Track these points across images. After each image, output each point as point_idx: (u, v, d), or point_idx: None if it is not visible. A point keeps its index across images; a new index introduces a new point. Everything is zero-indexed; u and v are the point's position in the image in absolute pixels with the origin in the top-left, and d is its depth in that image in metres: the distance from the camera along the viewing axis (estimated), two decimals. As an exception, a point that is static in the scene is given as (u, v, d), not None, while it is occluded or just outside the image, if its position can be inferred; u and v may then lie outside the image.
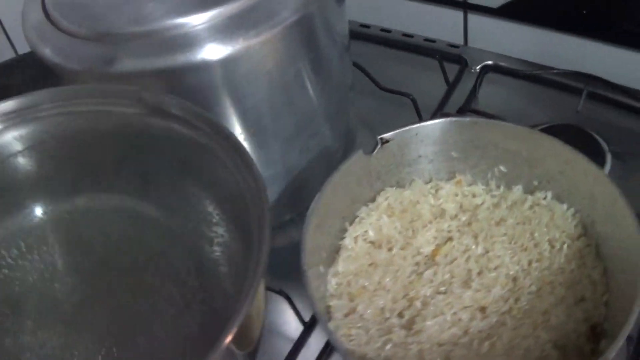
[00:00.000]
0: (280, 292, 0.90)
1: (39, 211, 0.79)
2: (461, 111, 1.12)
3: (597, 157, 1.02)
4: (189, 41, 0.77)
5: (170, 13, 0.80)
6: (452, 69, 1.22)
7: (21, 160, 0.74)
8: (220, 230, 0.77)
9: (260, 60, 0.83)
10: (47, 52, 0.82)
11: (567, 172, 0.86)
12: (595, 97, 1.13)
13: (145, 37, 0.78)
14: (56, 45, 0.82)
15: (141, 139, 0.76)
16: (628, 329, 0.70)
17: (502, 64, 1.22)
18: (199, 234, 0.79)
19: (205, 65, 0.79)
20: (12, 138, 0.75)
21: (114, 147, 0.78)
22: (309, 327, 0.90)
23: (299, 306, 0.90)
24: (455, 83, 1.19)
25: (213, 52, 0.78)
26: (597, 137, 1.06)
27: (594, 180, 0.83)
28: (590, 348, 0.79)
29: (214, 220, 0.78)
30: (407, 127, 0.88)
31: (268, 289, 0.86)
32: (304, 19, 0.84)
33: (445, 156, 0.92)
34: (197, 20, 0.79)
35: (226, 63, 0.80)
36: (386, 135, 0.88)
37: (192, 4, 0.80)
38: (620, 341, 0.69)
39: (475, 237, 0.89)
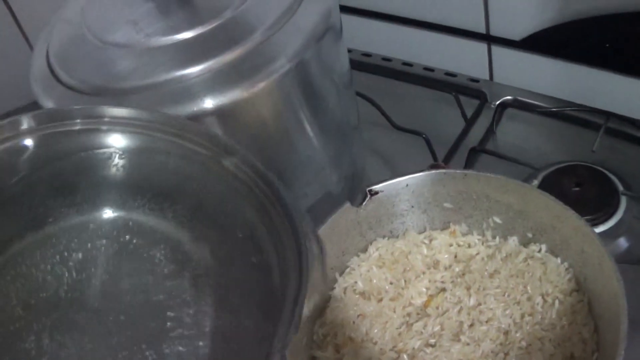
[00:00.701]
0: None
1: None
2: (474, 151, 1.09)
3: (611, 198, 1.02)
4: (186, 94, 0.79)
5: (168, 66, 0.81)
6: (472, 104, 1.19)
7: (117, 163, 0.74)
8: None
9: (257, 109, 0.84)
10: (49, 104, 0.85)
11: (558, 227, 0.85)
12: (615, 134, 1.12)
13: (143, 91, 0.80)
14: (58, 99, 0.84)
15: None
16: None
17: (522, 99, 1.20)
18: None
19: (204, 116, 0.80)
20: (115, 141, 0.75)
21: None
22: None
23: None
24: (474, 119, 1.18)
25: (211, 103, 0.79)
26: (612, 176, 1.05)
27: (584, 237, 0.82)
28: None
29: None
30: (396, 180, 0.88)
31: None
32: (300, 65, 0.84)
33: (438, 207, 0.91)
34: (194, 72, 0.81)
35: (223, 113, 0.81)
36: (375, 187, 0.88)
37: (188, 56, 0.82)
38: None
39: (468, 288, 0.88)
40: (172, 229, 0.75)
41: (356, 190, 0.94)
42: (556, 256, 0.88)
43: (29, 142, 0.71)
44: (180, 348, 0.68)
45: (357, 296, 0.89)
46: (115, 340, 0.68)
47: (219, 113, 0.81)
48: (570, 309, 0.85)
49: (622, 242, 0.99)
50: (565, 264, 0.87)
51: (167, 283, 0.72)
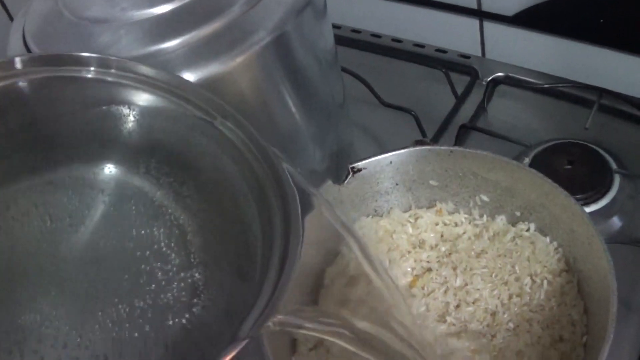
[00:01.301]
0: None
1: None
2: (464, 128, 1.07)
3: (604, 176, 1.00)
4: (164, 68, 0.74)
5: (145, 40, 0.79)
6: (463, 81, 1.17)
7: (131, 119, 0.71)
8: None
9: (236, 83, 0.82)
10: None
11: (547, 205, 0.82)
12: (608, 111, 1.09)
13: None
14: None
15: None
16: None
17: (514, 75, 1.18)
18: None
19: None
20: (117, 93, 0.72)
21: None
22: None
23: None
24: (465, 96, 1.16)
25: (189, 77, 0.77)
26: (605, 154, 1.02)
27: (573, 216, 0.80)
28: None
29: None
30: (380, 156, 0.85)
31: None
32: (280, 38, 0.82)
33: (424, 184, 0.89)
34: (171, 47, 0.78)
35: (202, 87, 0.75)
36: (357, 164, 0.85)
37: (165, 30, 0.79)
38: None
39: (455, 268, 0.86)
40: (152, 184, 0.72)
41: (340, 168, 0.90)
42: (545, 235, 0.85)
43: (25, 84, 0.68)
44: (153, 302, 0.67)
45: (345, 280, 0.86)
46: (88, 293, 0.67)
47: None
48: (559, 290, 0.83)
49: (615, 222, 0.97)
50: (555, 243, 0.85)
51: (142, 238, 0.70)
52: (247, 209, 0.67)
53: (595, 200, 0.96)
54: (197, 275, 0.69)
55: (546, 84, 1.14)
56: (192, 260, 0.69)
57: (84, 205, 0.71)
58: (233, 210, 0.68)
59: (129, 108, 0.70)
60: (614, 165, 1.00)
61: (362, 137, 1.10)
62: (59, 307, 0.66)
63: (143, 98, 0.70)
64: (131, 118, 0.71)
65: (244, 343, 0.56)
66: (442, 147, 0.86)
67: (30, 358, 0.63)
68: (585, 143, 1.03)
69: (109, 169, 0.72)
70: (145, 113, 0.71)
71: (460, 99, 1.15)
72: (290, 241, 0.61)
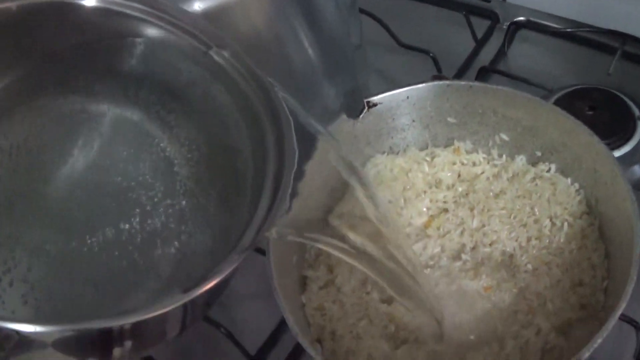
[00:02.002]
0: (219, 326, 0.83)
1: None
2: (484, 70, 1.04)
3: (627, 123, 0.97)
4: None
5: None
6: (483, 25, 1.14)
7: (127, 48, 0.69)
8: None
9: (248, 13, 0.80)
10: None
11: (570, 144, 0.80)
12: (631, 58, 1.05)
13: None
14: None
15: None
16: (618, 313, 0.66)
17: (535, 19, 1.14)
18: None
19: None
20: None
21: None
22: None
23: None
24: (485, 40, 1.13)
25: (199, 5, 0.74)
26: (628, 101, 0.99)
27: (596, 155, 0.77)
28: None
29: None
30: (397, 91, 0.83)
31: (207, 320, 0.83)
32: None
33: (441, 122, 0.86)
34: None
35: (212, 16, 0.75)
36: (373, 99, 0.82)
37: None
38: (611, 323, 0.65)
39: (472, 209, 0.84)
40: (141, 113, 0.71)
41: (355, 105, 0.88)
42: (566, 177, 0.83)
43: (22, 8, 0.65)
44: (140, 228, 0.67)
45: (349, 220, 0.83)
46: (76, 220, 0.66)
47: (208, 16, 0.75)
48: (580, 233, 0.80)
49: (637, 170, 0.94)
50: (576, 184, 0.82)
51: (129, 167, 0.70)
52: (237, 136, 0.66)
53: (617, 147, 0.93)
54: (183, 202, 0.69)
55: (568, 29, 1.10)
56: (178, 187, 0.69)
57: (73, 135, 0.70)
58: (223, 138, 0.68)
59: (131, 37, 0.68)
60: (637, 112, 0.98)
61: (379, 79, 1.07)
62: (49, 234, 0.65)
63: (140, 28, 0.68)
64: (127, 47, 0.68)
65: (247, 252, 0.56)
66: (462, 82, 0.84)
67: (19, 286, 0.62)
68: (608, 89, 1.00)
69: (98, 99, 0.70)
70: (142, 43, 0.68)
71: (480, 43, 1.12)
72: (285, 159, 0.61)
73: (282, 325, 0.85)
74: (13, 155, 0.66)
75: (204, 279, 0.55)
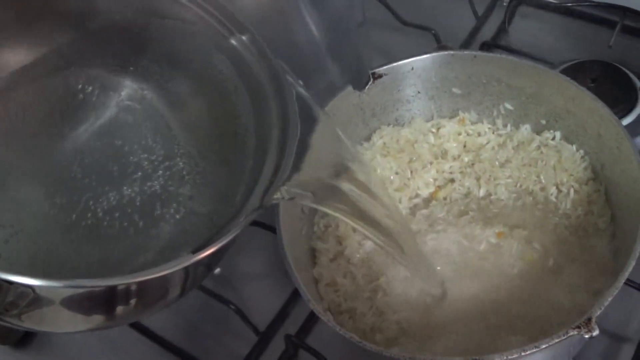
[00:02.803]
0: (229, 303, 0.84)
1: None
2: (486, 46, 1.05)
3: (629, 94, 0.97)
4: None
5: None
6: (484, 2, 1.15)
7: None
8: None
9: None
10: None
11: (574, 110, 0.80)
12: (631, 31, 1.06)
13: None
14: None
15: None
16: (628, 270, 0.66)
17: (535, -5, 1.11)
18: None
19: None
20: None
21: None
22: (263, 338, 0.84)
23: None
24: (485, 17, 1.13)
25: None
26: (630, 73, 0.99)
27: (600, 120, 0.78)
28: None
29: None
30: (402, 62, 0.84)
31: (216, 297, 0.84)
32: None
33: (446, 92, 0.87)
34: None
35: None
36: (379, 70, 0.83)
37: None
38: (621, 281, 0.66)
39: (478, 179, 0.85)
40: (141, 82, 0.72)
41: (359, 79, 0.88)
42: (571, 143, 0.83)
43: None
44: (139, 189, 0.68)
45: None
46: (81, 181, 0.67)
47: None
48: (586, 199, 0.81)
49: (640, 141, 0.93)
50: (581, 151, 0.83)
51: (130, 132, 0.71)
52: (238, 103, 0.68)
53: (620, 118, 0.92)
54: (180, 164, 0.69)
55: (568, 3, 1.10)
56: (176, 151, 0.70)
57: (77, 103, 0.71)
58: (223, 105, 0.69)
59: (161, 18, 0.70)
60: (638, 83, 0.97)
61: (382, 58, 1.06)
62: (51, 196, 0.66)
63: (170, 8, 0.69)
64: (155, 27, 0.70)
65: (258, 212, 0.57)
66: (466, 52, 0.85)
67: (28, 247, 0.62)
68: (609, 62, 1.00)
69: (117, 72, 0.71)
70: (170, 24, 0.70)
71: (481, 20, 1.12)
72: (289, 123, 0.63)
73: (290, 302, 0.86)
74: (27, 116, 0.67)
75: (213, 240, 0.55)
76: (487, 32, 1.11)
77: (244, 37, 0.67)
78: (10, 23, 0.64)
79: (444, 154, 0.86)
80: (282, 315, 0.86)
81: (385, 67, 0.83)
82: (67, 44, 0.68)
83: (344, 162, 0.72)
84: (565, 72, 0.97)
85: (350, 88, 0.81)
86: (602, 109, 0.76)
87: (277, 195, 0.59)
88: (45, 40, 0.67)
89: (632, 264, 0.65)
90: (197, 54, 0.69)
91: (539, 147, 0.84)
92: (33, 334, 0.87)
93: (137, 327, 0.84)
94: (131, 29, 0.68)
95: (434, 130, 0.88)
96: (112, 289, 0.53)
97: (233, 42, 0.68)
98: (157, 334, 0.84)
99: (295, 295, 0.84)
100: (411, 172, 0.85)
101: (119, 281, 0.53)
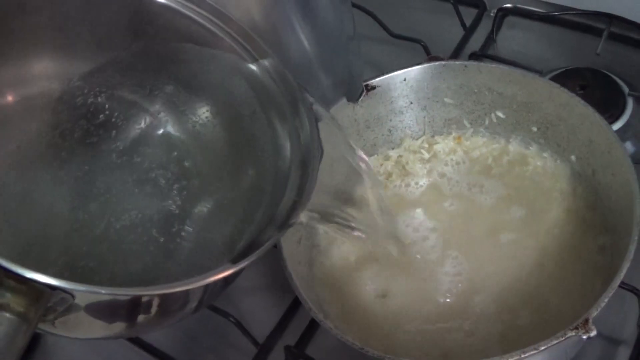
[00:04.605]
0: (227, 315, 0.84)
1: None
2: (475, 56, 1.06)
3: (617, 101, 0.99)
4: None
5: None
6: (471, 13, 1.16)
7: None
8: None
9: (243, 5, 0.80)
10: None
11: (565, 117, 0.82)
12: (618, 38, 1.07)
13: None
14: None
15: None
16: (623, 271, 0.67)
17: (521, 5, 1.15)
18: None
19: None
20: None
21: None
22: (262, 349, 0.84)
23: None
24: (473, 28, 1.14)
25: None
26: (618, 79, 1.01)
27: (591, 125, 0.79)
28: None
29: None
30: (394, 73, 0.85)
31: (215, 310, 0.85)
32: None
33: (439, 102, 0.88)
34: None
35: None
36: (372, 82, 0.84)
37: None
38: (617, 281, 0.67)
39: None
40: (153, 104, 0.75)
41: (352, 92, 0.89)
42: (563, 151, 0.85)
43: None
44: (158, 207, 0.71)
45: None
46: (104, 196, 0.69)
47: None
48: (580, 204, 0.84)
49: (629, 146, 0.96)
50: (573, 157, 0.84)
51: (147, 151, 0.73)
52: (256, 125, 0.70)
53: (609, 124, 0.94)
54: (197, 184, 0.72)
55: (554, 12, 1.11)
56: (192, 171, 0.72)
57: (100, 122, 0.72)
58: (241, 127, 0.71)
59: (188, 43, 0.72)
60: (626, 89, 0.99)
61: (373, 70, 1.07)
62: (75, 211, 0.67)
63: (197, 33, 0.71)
64: (183, 52, 0.72)
65: (284, 231, 0.60)
66: (457, 62, 0.86)
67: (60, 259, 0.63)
68: (597, 69, 1.02)
69: (125, 91, 0.73)
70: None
71: (469, 31, 1.13)
72: (311, 147, 0.65)
73: (289, 313, 0.87)
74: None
75: (249, 251, 0.57)
76: (475, 42, 1.12)
77: (265, 62, 0.70)
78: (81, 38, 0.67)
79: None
80: (281, 327, 0.86)
81: (378, 79, 0.84)
82: (105, 65, 0.70)
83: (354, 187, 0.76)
84: (554, 80, 0.97)
85: (344, 100, 0.81)
86: (592, 115, 0.77)
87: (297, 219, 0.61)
88: (91, 57, 0.69)
89: (627, 265, 0.65)
90: (217, 77, 0.71)
91: (529, 161, 0.87)
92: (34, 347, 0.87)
93: (136, 340, 0.84)
94: (160, 53, 0.70)
95: (425, 145, 0.93)
96: (138, 299, 0.54)
97: (253, 66, 0.70)
98: (156, 348, 0.84)
99: (294, 306, 0.84)
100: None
101: (163, 290, 0.54)
